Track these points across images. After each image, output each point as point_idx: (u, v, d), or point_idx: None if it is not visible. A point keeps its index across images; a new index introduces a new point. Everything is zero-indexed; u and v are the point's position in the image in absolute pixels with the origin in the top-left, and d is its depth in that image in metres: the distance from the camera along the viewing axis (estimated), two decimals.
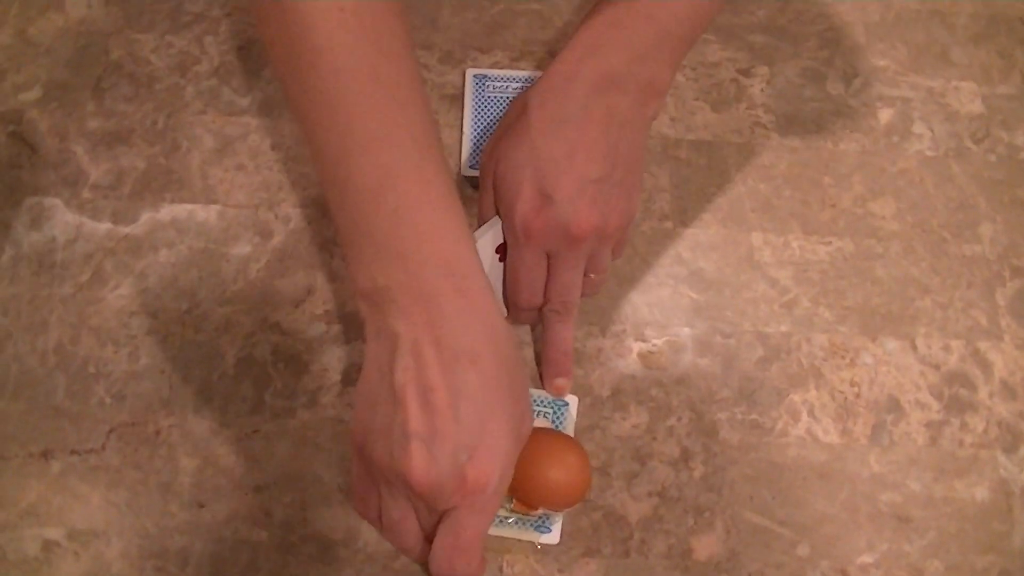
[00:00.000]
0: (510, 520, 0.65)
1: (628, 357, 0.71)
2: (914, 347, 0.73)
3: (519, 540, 0.64)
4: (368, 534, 0.65)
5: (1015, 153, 0.81)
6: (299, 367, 0.70)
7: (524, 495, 0.62)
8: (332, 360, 0.70)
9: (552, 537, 0.64)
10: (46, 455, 0.67)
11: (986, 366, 0.72)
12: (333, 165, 0.56)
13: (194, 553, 0.64)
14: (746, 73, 0.83)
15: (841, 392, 0.71)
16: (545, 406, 0.69)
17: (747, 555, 0.65)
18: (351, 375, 0.70)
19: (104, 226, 0.75)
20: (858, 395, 0.71)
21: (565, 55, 0.64)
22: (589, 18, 0.65)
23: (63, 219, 0.75)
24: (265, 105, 0.80)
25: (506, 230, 0.64)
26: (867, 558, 0.66)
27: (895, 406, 0.70)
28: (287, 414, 0.69)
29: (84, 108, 0.80)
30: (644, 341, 0.72)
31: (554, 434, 0.63)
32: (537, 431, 0.60)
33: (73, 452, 0.67)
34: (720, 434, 0.69)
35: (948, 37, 0.87)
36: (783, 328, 0.73)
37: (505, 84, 0.79)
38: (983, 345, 0.73)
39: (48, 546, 0.64)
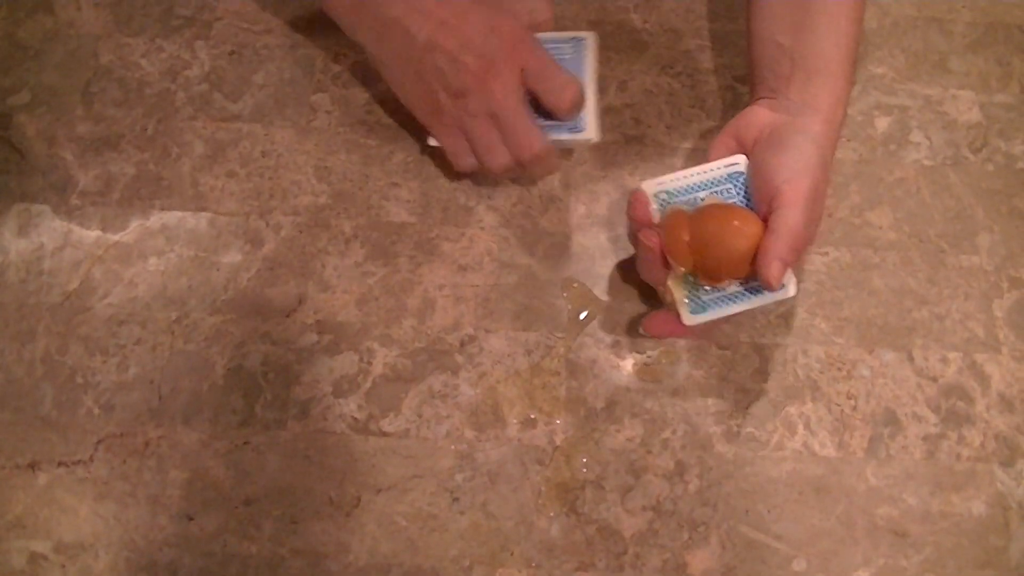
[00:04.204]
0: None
1: (623, 369, 0.71)
2: (911, 359, 0.72)
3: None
4: (359, 547, 0.64)
5: (1013, 163, 0.80)
6: (290, 378, 0.70)
7: (710, 272, 0.62)
8: (323, 371, 0.70)
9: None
10: (33, 466, 0.66)
11: (983, 378, 0.71)
12: None
13: (183, 566, 0.64)
14: (742, 80, 0.82)
15: (838, 405, 0.70)
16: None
17: (742, 570, 0.65)
18: (342, 386, 0.69)
19: (93, 233, 0.74)
20: (855, 408, 0.70)
21: None
22: None
23: (51, 226, 0.74)
24: (257, 111, 0.80)
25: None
26: (863, 573, 0.65)
27: (892, 419, 0.70)
28: (277, 426, 0.68)
29: (73, 113, 0.79)
30: (639, 352, 0.71)
31: (725, 207, 0.63)
32: (708, 208, 0.63)
33: (60, 463, 0.67)
34: (715, 447, 0.68)
35: (946, 45, 0.86)
36: (779, 340, 0.72)
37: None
38: (980, 357, 0.72)
39: (35, 559, 0.64)
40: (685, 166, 0.77)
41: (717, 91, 0.82)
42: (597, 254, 0.75)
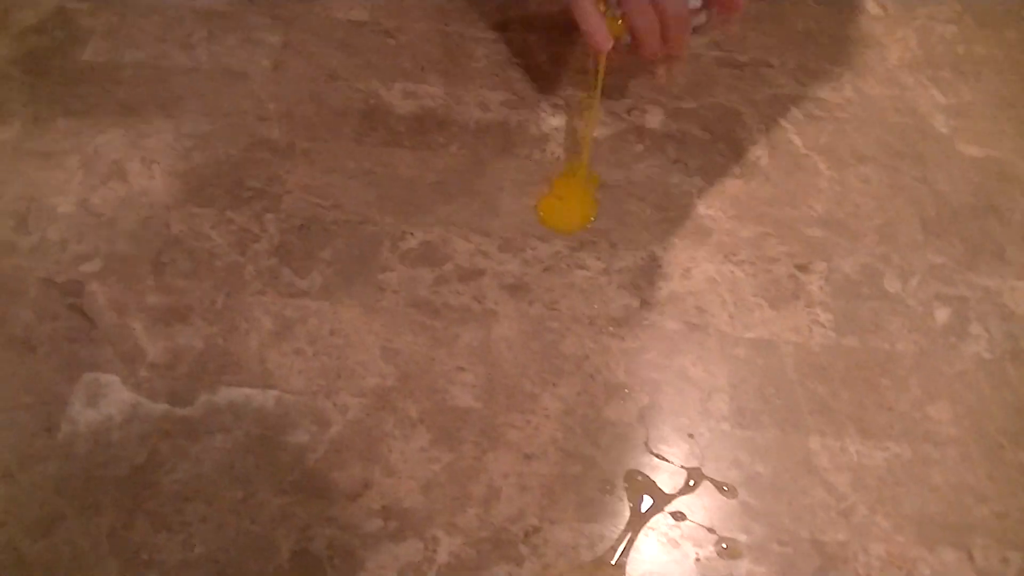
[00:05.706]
0: None
1: (684, 564, 0.71)
2: (971, 558, 0.72)
3: None
4: None
5: None
6: (355, 564, 0.70)
7: None
8: (388, 558, 0.70)
9: None
10: None
11: None
12: None
13: None
14: (804, 268, 0.83)
15: None
16: None
17: None
18: (407, 574, 0.69)
19: (161, 407, 0.75)
20: None
21: None
22: None
23: (120, 397, 0.75)
24: (324, 288, 0.81)
25: None
26: None
27: None
28: None
29: (143, 282, 0.81)
30: (700, 547, 0.71)
31: None
32: None
33: None
34: None
35: (1003, 234, 0.87)
36: (840, 536, 0.72)
37: None
38: None
39: None
40: (746, 356, 0.78)
41: (780, 279, 0.83)
42: (662, 445, 0.75)
